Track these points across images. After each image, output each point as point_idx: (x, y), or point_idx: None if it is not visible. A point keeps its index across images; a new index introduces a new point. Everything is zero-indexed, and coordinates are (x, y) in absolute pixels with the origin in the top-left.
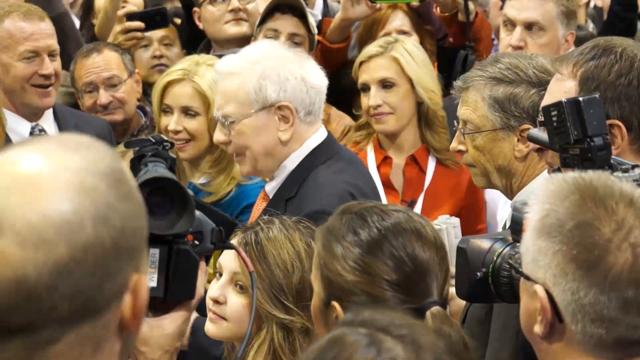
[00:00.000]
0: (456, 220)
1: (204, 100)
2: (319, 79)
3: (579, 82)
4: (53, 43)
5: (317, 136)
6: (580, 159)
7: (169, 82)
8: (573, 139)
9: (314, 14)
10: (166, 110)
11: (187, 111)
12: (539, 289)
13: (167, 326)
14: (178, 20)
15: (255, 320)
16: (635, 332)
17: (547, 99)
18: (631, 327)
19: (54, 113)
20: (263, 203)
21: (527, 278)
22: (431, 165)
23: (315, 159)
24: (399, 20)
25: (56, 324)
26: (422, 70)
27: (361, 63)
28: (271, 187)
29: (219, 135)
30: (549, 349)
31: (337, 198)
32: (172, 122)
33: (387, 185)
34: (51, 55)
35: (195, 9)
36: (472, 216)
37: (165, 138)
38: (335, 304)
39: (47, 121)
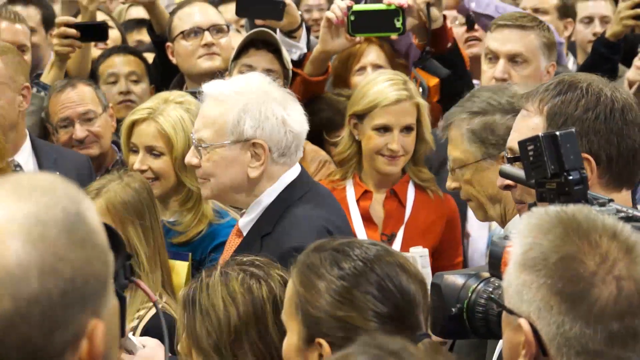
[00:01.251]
0: (425, 251)
1: (167, 140)
2: (299, 125)
3: (546, 118)
4: None
5: (291, 172)
6: (557, 193)
7: (135, 121)
8: (550, 173)
9: (300, 47)
10: (133, 149)
11: (151, 151)
12: (523, 322)
13: None
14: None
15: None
16: None
17: (514, 136)
18: None
19: (33, 147)
20: (237, 239)
21: (511, 312)
22: (410, 197)
23: (291, 194)
24: (373, 54)
25: None
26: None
27: (382, 104)
28: (244, 223)
29: (190, 157)
30: None
31: (315, 234)
32: (137, 161)
33: (367, 219)
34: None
35: (169, 43)
36: (451, 249)
37: None
38: (321, 341)
39: (24, 156)
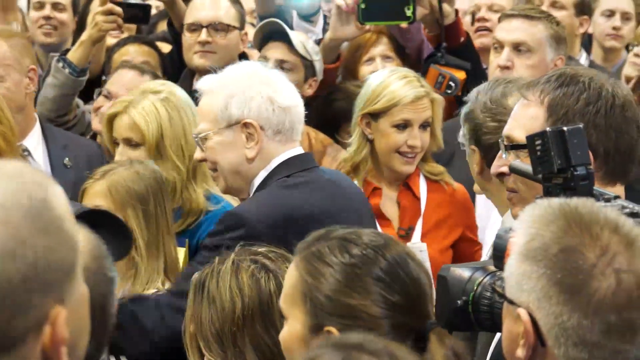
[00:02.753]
0: (422, 245)
1: (138, 131)
2: (289, 100)
3: (547, 109)
4: None
5: (286, 154)
6: (563, 188)
7: (114, 115)
8: (557, 168)
9: (316, 32)
10: (115, 141)
11: (129, 142)
12: (522, 312)
13: None
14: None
15: None
16: (617, 357)
17: (512, 125)
18: (614, 352)
19: (43, 132)
20: None
21: (511, 302)
22: (423, 190)
23: (274, 175)
24: (383, 45)
25: None
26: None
27: (403, 102)
28: None
29: (197, 153)
30: None
31: (266, 210)
32: (117, 153)
33: (379, 216)
34: None
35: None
36: (471, 238)
37: None
38: (331, 329)
39: (33, 141)
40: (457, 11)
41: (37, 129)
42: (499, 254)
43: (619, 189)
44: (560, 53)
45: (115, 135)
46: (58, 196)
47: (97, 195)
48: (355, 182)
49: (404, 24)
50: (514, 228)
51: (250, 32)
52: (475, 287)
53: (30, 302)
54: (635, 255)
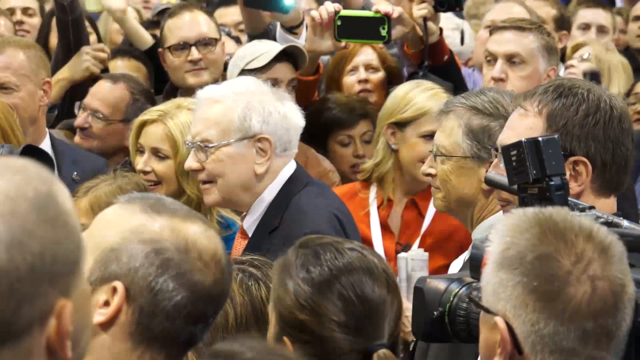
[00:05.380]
0: (418, 253)
1: (173, 144)
2: (299, 119)
3: (546, 120)
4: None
5: (289, 167)
6: (538, 198)
7: (145, 122)
8: (532, 178)
9: (299, 44)
10: (140, 149)
11: (156, 153)
12: (499, 320)
13: None
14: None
15: None
16: None
17: (509, 134)
18: (590, 359)
19: (52, 146)
20: (242, 242)
21: (487, 311)
22: (432, 208)
23: (293, 186)
24: (367, 55)
25: None
26: None
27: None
28: (249, 223)
29: (191, 162)
30: None
31: (325, 220)
32: (141, 161)
33: (385, 227)
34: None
35: (160, 49)
36: None
37: None
38: (286, 340)
39: None
40: (441, 30)
41: (47, 142)
42: (476, 263)
43: (612, 200)
44: (552, 63)
45: (142, 143)
46: (63, 192)
47: (80, 214)
48: (373, 192)
49: (378, 44)
50: (490, 238)
51: (229, 44)
52: (451, 298)
53: (36, 293)
54: (609, 262)
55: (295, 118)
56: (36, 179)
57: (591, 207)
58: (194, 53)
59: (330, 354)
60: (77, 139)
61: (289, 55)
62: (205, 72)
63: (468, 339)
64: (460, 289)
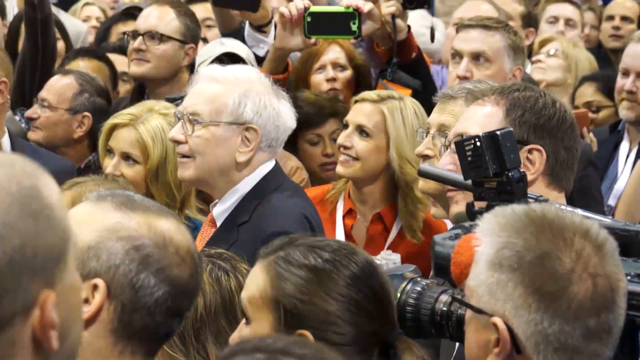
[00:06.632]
0: (397, 257)
1: (144, 149)
2: (290, 121)
3: (506, 108)
4: None
5: (269, 164)
6: (497, 192)
7: (116, 125)
8: (492, 172)
9: (268, 42)
10: (110, 151)
11: (126, 157)
12: (498, 321)
13: None
14: None
15: None
16: (596, 359)
17: (465, 123)
18: (593, 356)
19: (12, 145)
20: (210, 229)
21: (480, 312)
22: (397, 226)
23: (267, 184)
24: (335, 53)
25: None
26: (407, 136)
27: (355, 101)
28: (219, 212)
29: (176, 133)
30: None
31: (295, 220)
32: (110, 165)
33: (348, 237)
34: None
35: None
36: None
37: None
38: (306, 332)
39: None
40: (409, 27)
41: (5, 140)
42: (443, 262)
43: (562, 196)
44: (518, 63)
45: (112, 146)
46: (49, 186)
47: None
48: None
49: (349, 39)
50: (479, 237)
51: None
52: (398, 295)
53: (17, 286)
54: (605, 258)
55: (287, 118)
56: (20, 173)
57: (541, 196)
58: (138, 42)
59: (346, 345)
60: (29, 133)
61: (237, 59)
62: (147, 65)
63: (417, 334)
64: (406, 285)
